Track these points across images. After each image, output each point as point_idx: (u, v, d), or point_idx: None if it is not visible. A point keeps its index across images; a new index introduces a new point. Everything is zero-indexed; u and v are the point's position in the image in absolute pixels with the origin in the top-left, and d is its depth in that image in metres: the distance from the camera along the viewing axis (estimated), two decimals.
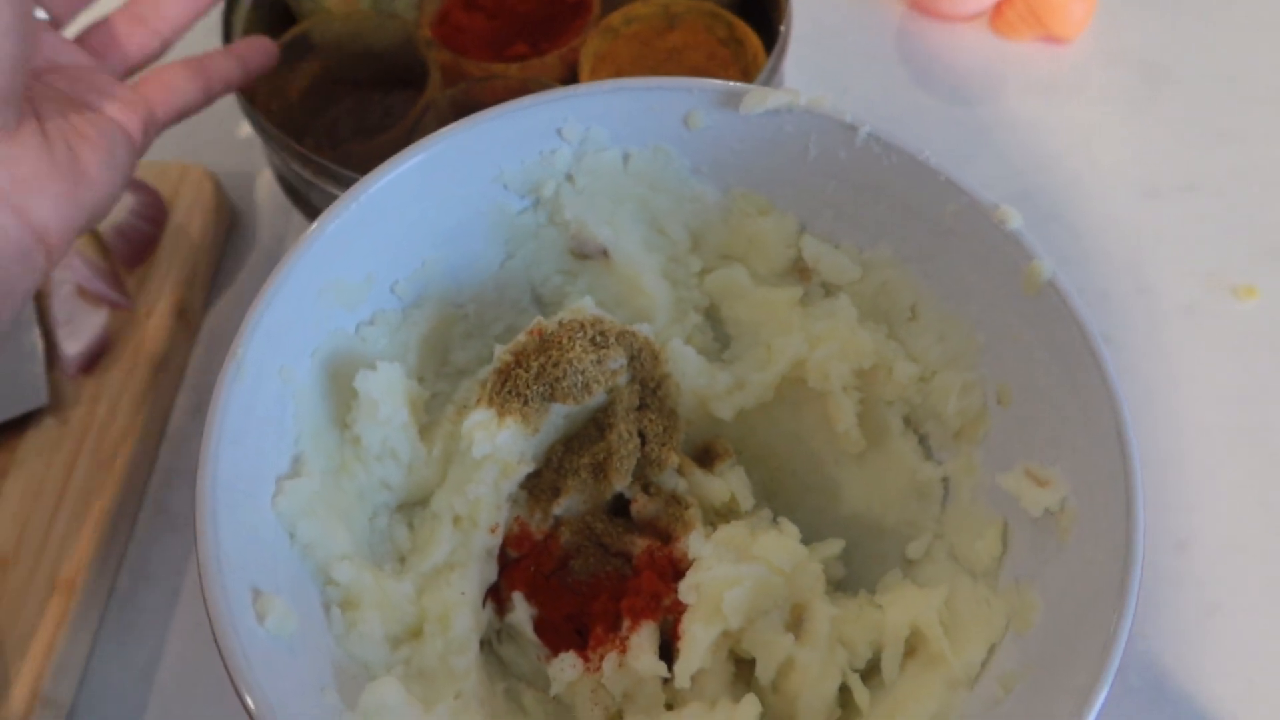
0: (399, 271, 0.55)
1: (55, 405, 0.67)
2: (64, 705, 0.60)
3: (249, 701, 0.40)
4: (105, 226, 0.71)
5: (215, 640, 0.41)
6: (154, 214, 0.73)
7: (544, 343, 0.52)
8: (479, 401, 0.52)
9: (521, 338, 0.53)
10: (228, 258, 0.77)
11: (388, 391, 0.51)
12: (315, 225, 0.50)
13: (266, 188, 0.79)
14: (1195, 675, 0.61)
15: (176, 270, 0.72)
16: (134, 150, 0.57)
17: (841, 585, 0.56)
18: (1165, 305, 0.73)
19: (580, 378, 0.51)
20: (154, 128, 0.59)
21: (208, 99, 0.62)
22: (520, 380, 0.51)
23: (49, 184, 0.51)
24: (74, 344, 0.67)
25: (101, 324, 0.68)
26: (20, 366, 0.66)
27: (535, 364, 0.51)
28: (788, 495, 0.58)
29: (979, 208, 0.51)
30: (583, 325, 0.52)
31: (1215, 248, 0.76)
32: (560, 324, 0.52)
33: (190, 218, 0.74)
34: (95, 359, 0.68)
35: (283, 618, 0.43)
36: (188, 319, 0.72)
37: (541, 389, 0.51)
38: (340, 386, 0.52)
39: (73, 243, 0.54)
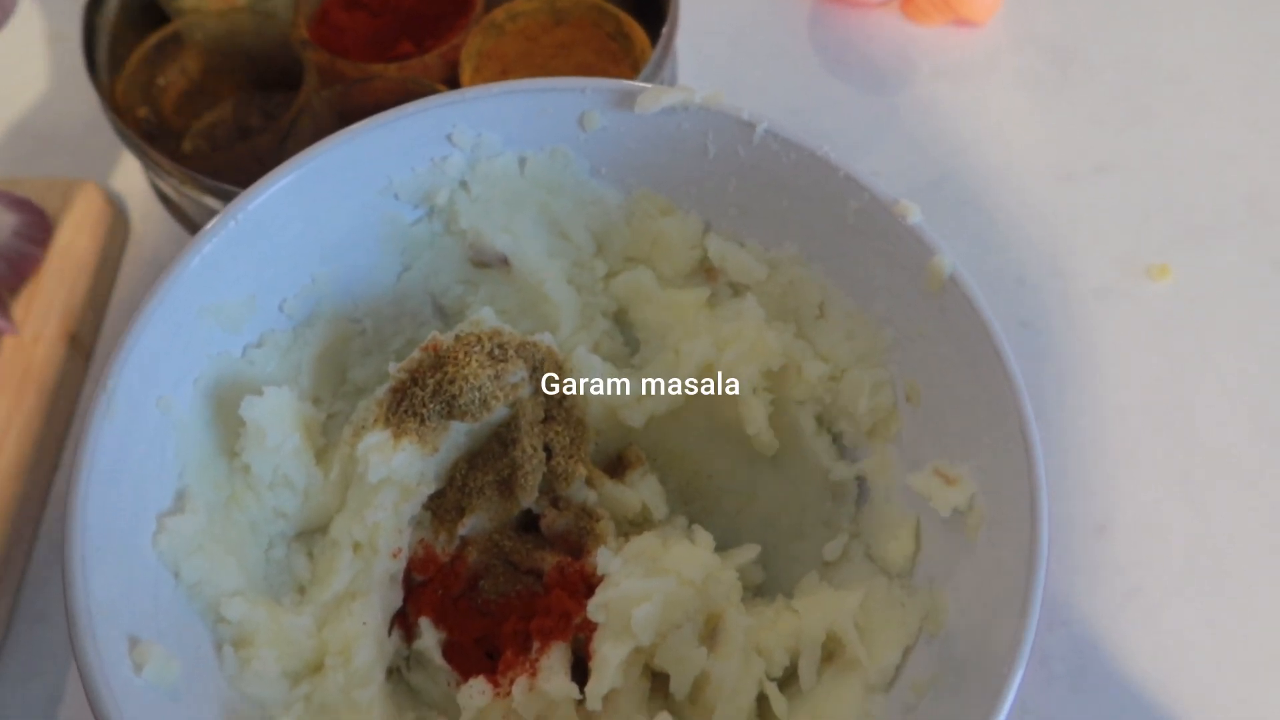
0: (286, 290, 0.52)
1: None
2: None
3: None
4: None
5: (86, 694, 0.39)
6: (37, 234, 0.69)
7: (439, 359, 0.50)
8: (375, 422, 0.50)
9: (416, 354, 0.51)
10: (124, 278, 0.74)
11: (276, 418, 0.49)
12: (189, 246, 0.48)
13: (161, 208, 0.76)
14: (1118, 658, 0.61)
15: (65, 293, 0.69)
16: None
17: (760, 590, 0.55)
18: (1081, 288, 0.73)
19: (478, 394, 0.49)
20: None
21: None
22: (416, 399, 0.49)
23: None
24: None
25: None
26: None
27: (431, 381, 0.49)
28: (704, 500, 0.57)
29: (879, 203, 0.50)
30: (480, 339, 0.50)
31: (1129, 229, 0.76)
32: (457, 338, 0.51)
33: (78, 236, 0.71)
34: None
35: (162, 665, 0.41)
36: (80, 344, 0.69)
37: (438, 407, 0.49)
38: (226, 414, 0.49)
39: None
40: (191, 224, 0.68)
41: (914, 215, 0.49)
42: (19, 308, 0.68)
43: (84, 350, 0.69)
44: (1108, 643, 0.62)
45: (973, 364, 0.47)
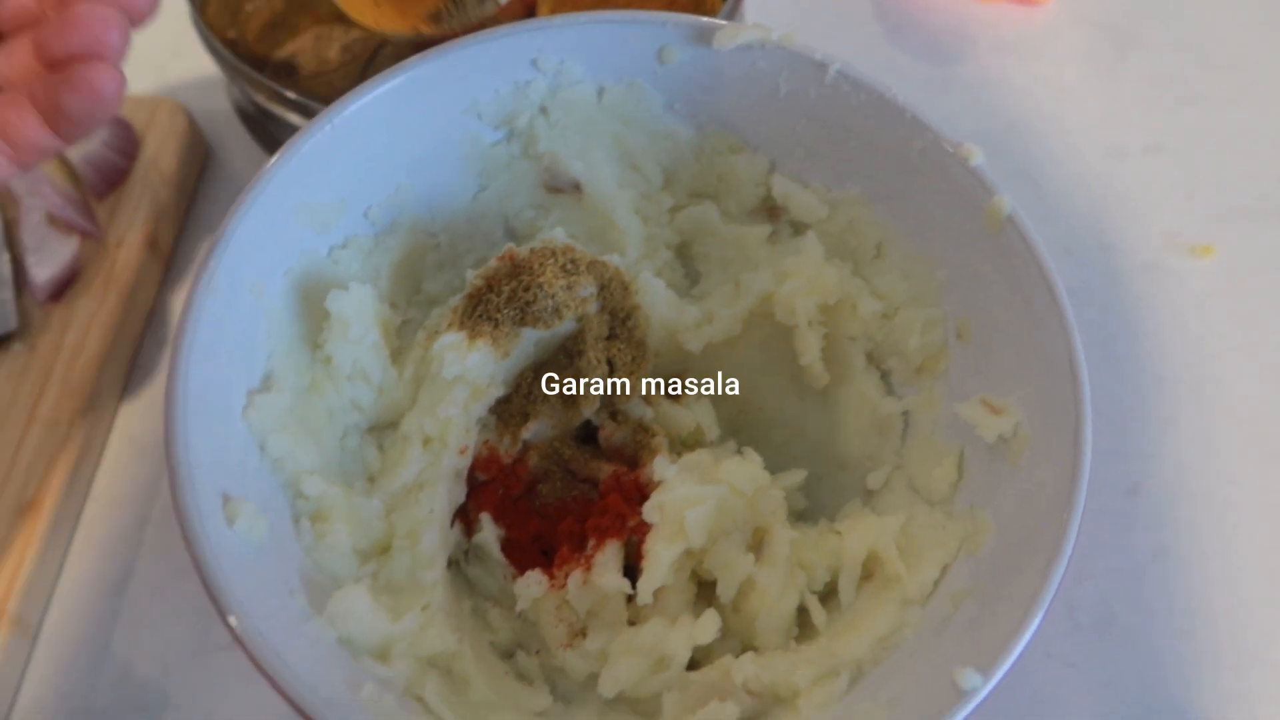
0: (372, 197, 0.55)
1: (24, 332, 0.67)
2: (32, 624, 0.60)
3: (217, 597, 0.40)
4: (76, 156, 0.71)
5: (185, 541, 0.42)
6: (125, 146, 0.73)
7: (515, 268, 0.52)
8: (450, 325, 0.53)
9: (493, 263, 0.53)
10: (201, 194, 0.77)
11: (359, 312, 0.51)
12: (289, 144, 0.50)
13: (245, 131, 0.79)
14: (1142, 614, 0.63)
15: (148, 202, 0.72)
16: None
17: (803, 516, 0.57)
18: (1126, 262, 0.75)
19: (551, 302, 0.51)
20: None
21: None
22: (491, 304, 0.52)
23: None
24: (44, 271, 0.67)
25: (71, 252, 0.68)
26: None
27: (506, 288, 0.52)
28: (753, 430, 0.59)
29: (943, 145, 0.52)
30: (554, 252, 0.53)
31: (1176, 208, 0.77)
32: (532, 251, 0.53)
33: (162, 151, 0.74)
34: (65, 287, 0.68)
35: (251, 522, 0.44)
36: (158, 251, 0.72)
37: (512, 313, 0.52)
38: (312, 308, 0.52)
39: None
40: (274, 142, 0.71)
41: (976, 157, 0.51)
42: (104, 214, 0.71)
43: (162, 257, 0.72)
44: (1133, 598, 0.63)
45: (1025, 301, 0.49)
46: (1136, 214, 0.77)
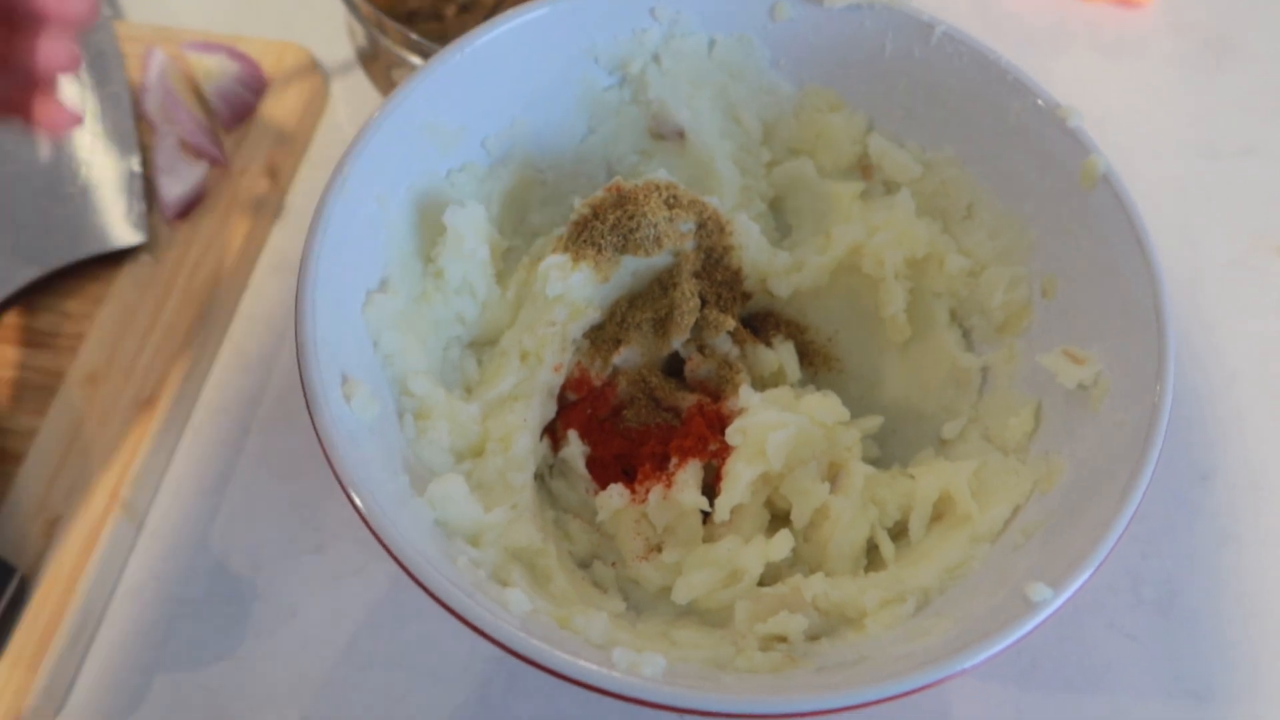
0: (490, 127, 0.59)
1: (152, 245, 0.71)
2: (139, 510, 0.64)
3: (334, 462, 0.43)
4: (209, 88, 0.76)
5: (308, 410, 0.45)
6: (254, 83, 0.77)
7: (621, 198, 0.55)
8: (555, 248, 0.56)
9: (600, 193, 0.56)
10: (319, 132, 0.81)
11: (473, 228, 0.55)
12: (423, 68, 0.54)
13: (363, 76, 0.84)
14: (1205, 596, 0.63)
15: (271, 137, 0.76)
16: None
17: (876, 464, 0.59)
18: (1209, 259, 0.76)
19: (653, 231, 0.54)
20: None
21: None
22: (596, 231, 0.55)
23: None
24: (173, 190, 0.72)
25: (200, 176, 0.73)
26: (123, 204, 0.71)
27: (611, 217, 0.55)
28: (831, 379, 0.61)
29: (1043, 107, 0.54)
30: (658, 187, 0.56)
31: (1264, 210, 0.78)
32: (636, 185, 0.56)
33: (286, 91, 0.79)
34: (191, 207, 0.73)
35: (366, 402, 0.47)
36: (278, 182, 0.76)
37: (615, 240, 0.54)
38: (428, 223, 0.56)
39: None
40: (391, 85, 0.75)
41: (1075, 118, 0.52)
42: (231, 145, 0.76)
43: (280, 187, 0.77)
44: (1198, 579, 0.64)
45: (1114, 256, 0.50)
46: (1225, 214, 0.78)
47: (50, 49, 0.46)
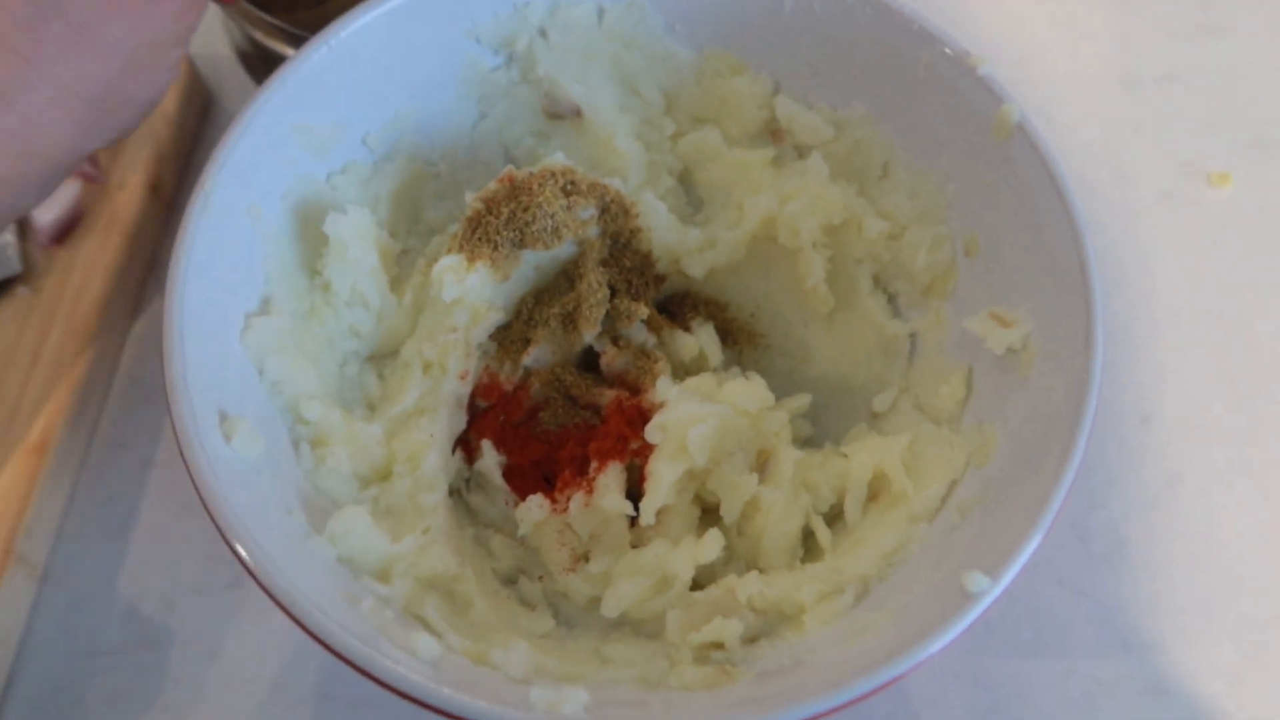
0: (370, 123, 0.54)
1: (28, 274, 0.66)
2: (37, 564, 0.60)
3: (213, 510, 0.40)
4: None
5: (181, 456, 0.41)
6: None
7: (514, 189, 0.52)
8: (449, 249, 0.52)
9: (492, 185, 0.53)
10: (202, 138, 0.76)
11: (357, 235, 0.51)
12: (285, 66, 0.50)
13: (248, 78, 0.79)
14: (1154, 541, 0.62)
15: (149, 146, 0.71)
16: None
17: (809, 443, 0.56)
18: (1141, 192, 0.74)
19: (550, 222, 0.51)
20: None
21: None
22: (490, 227, 0.51)
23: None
24: (46, 214, 0.67)
25: (74, 195, 0.68)
26: None
27: (505, 210, 0.51)
28: (757, 357, 0.59)
29: (951, 56, 0.51)
30: (554, 174, 0.52)
31: (1193, 138, 0.76)
32: (531, 173, 0.52)
33: (164, 100, 0.73)
34: (68, 230, 0.68)
35: (249, 439, 0.43)
36: (160, 194, 0.71)
37: (511, 234, 0.51)
38: (310, 233, 0.52)
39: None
40: None
41: (985, 66, 0.49)
42: (106, 158, 0.71)
43: (164, 200, 0.72)
44: (1146, 525, 0.62)
45: (1035, 208, 0.48)
46: (1151, 144, 0.76)
47: None
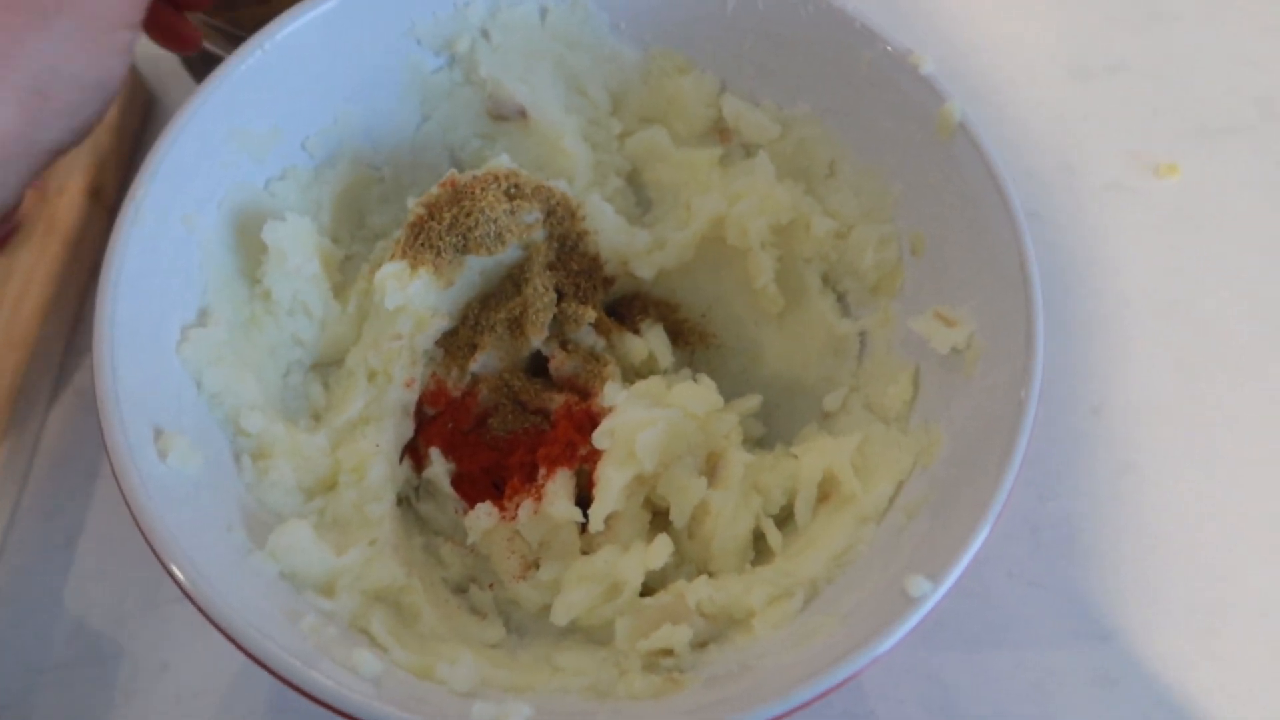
0: (309, 127, 0.54)
1: None
2: None
3: (146, 531, 0.39)
4: None
5: (114, 474, 0.41)
6: None
7: (457, 194, 0.51)
8: (392, 255, 0.51)
9: (434, 190, 0.52)
10: (144, 142, 0.75)
11: (297, 242, 0.50)
12: (219, 70, 0.49)
13: (191, 81, 0.77)
14: (1106, 530, 0.63)
15: (89, 150, 0.70)
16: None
17: (761, 443, 0.56)
18: (1089, 182, 0.74)
19: (493, 227, 0.50)
20: None
21: None
22: (433, 232, 0.51)
23: None
24: None
25: None
26: None
27: (448, 215, 0.51)
28: (708, 358, 0.59)
29: (893, 55, 0.50)
30: (497, 178, 0.52)
31: (1140, 127, 0.76)
32: (474, 177, 0.52)
33: None
34: (5, 238, 0.66)
35: (186, 455, 0.43)
36: (101, 200, 0.70)
37: (454, 240, 0.50)
38: (249, 241, 0.51)
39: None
40: None
41: (927, 65, 0.49)
42: None
43: (105, 205, 0.70)
44: (1098, 515, 0.63)
45: (977, 207, 0.48)
46: (1099, 134, 0.76)
47: None
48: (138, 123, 0.74)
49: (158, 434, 0.42)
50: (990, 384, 0.45)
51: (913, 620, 0.38)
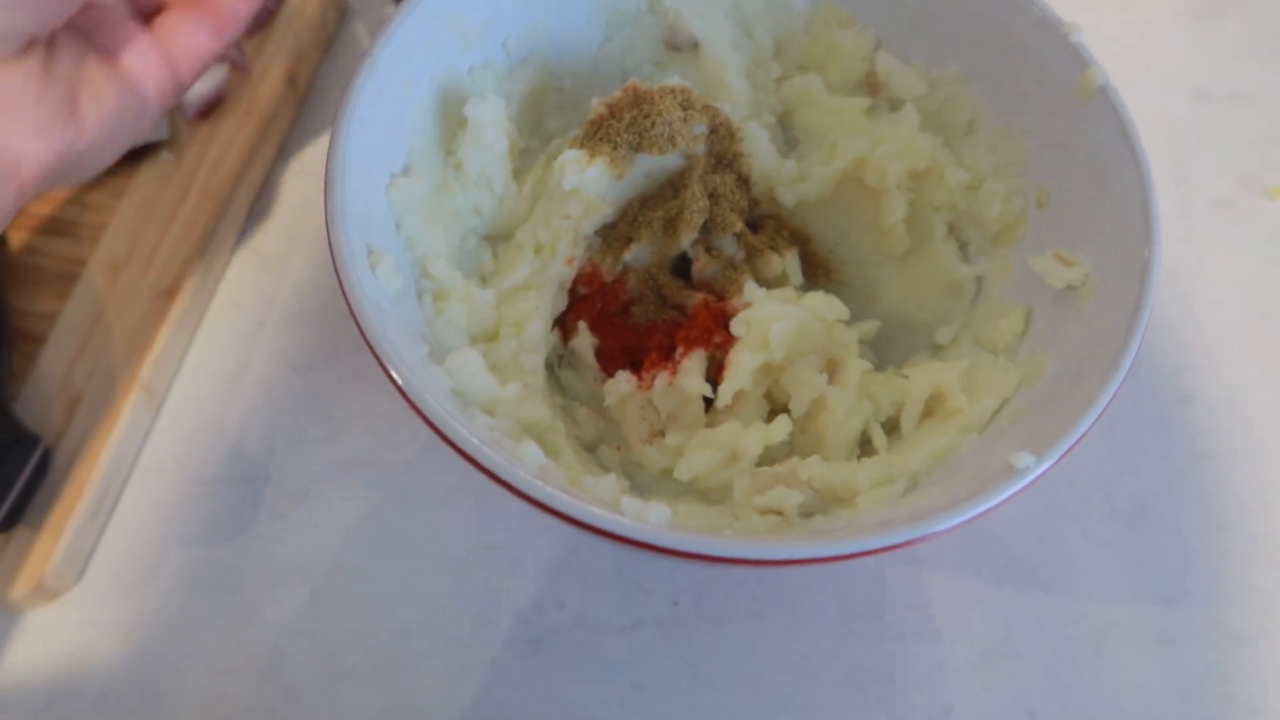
0: (512, 27, 0.60)
1: (174, 143, 0.73)
2: (159, 394, 0.66)
3: (358, 315, 0.45)
4: None
5: (337, 276, 0.47)
6: None
7: (637, 98, 0.57)
8: (572, 144, 0.58)
9: (616, 93, 0.58)
10: (337, 43, 0.83)
11: (493, 122, 0.57)
12: None
13: None
14: (1176, 510, 0.66)
15: (290, 43, 0.78)
16: (147, 115, 0.54)
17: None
18: (1199, 196, 0.78)
19: (667, 129, 0.56)
20: (177, 94, 0.55)
21: (224, 48, 0.56)
22: (612, 129, 0.57)
23: (32, 117, 0.47)
24: (196, 90, 0.73)
25: (221, 78, 0.74)
26: None
27: (627, 115, 0.57)
28: (830, 290, 0.63)
29: (1046, 21, 0.56)
30: (673, 90, 0.58)
31: (1255, 152, 0.80)
32: (654, 86, 0.58)
33: (306, 2, 0.80)
34: (212, 108, 0.74)
35: (391, 272, 0.49)
36: (295, 88, 0.78)
37: (630, 137, 0.56)
38: (449, 117, 0.58)
39: (44, 187, 0.50)
40: None
41: (1079, 33, 0.54)
42: (251, 50, 0.77)
43: (298, 94, 0.78)
44: (1171, 494, 0.67)
45: (1106, 166, 0.53)
46: (1214, 155, 0.80)
47: None
48: (333, 27, 0.82)
49: (370, 250, 0.49)
50: (1103, 314, 0.49)
51: (1013, 488, 0.42)
